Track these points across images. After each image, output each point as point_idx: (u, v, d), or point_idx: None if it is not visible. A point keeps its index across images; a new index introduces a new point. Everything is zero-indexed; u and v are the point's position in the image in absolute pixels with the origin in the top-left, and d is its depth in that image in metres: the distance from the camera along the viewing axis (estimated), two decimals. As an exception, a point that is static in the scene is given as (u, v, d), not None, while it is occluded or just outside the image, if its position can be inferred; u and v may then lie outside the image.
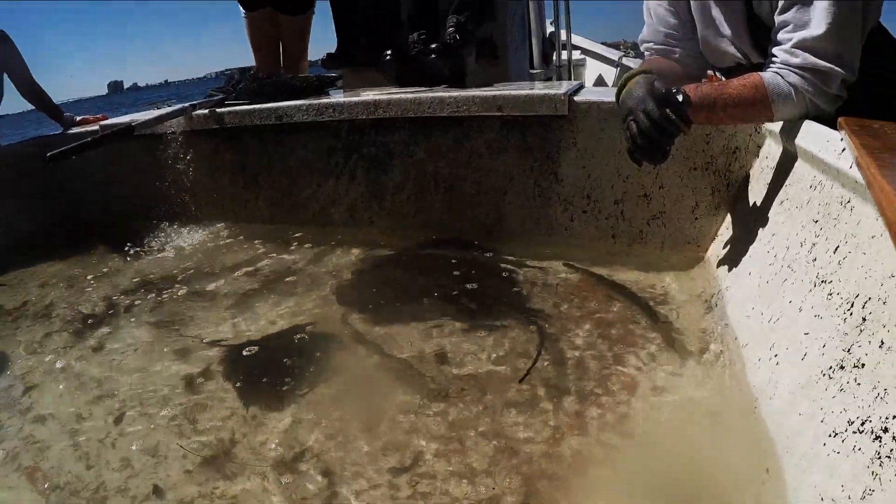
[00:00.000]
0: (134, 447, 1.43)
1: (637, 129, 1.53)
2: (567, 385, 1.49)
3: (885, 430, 0.83)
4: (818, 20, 1.45)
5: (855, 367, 0.96)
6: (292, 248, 2.60)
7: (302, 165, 2.78)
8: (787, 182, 1.60)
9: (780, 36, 1.53)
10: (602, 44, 7.31)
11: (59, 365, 1.85)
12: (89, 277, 2.54)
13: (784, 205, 1.57)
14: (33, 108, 3.49)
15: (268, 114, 2.73)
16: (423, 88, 2.63)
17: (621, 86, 1.65)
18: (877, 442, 0.84)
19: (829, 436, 0.95)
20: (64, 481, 1.35)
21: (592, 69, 6.60)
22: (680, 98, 1.52)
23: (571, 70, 5.46)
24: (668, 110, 1.50)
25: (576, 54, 6.18)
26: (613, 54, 6.73)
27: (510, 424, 1.37)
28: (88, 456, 1.42)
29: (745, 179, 1.97)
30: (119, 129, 2.75)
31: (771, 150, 1.82)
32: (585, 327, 1.74)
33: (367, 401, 1.53)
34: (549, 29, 5.43)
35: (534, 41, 4.72)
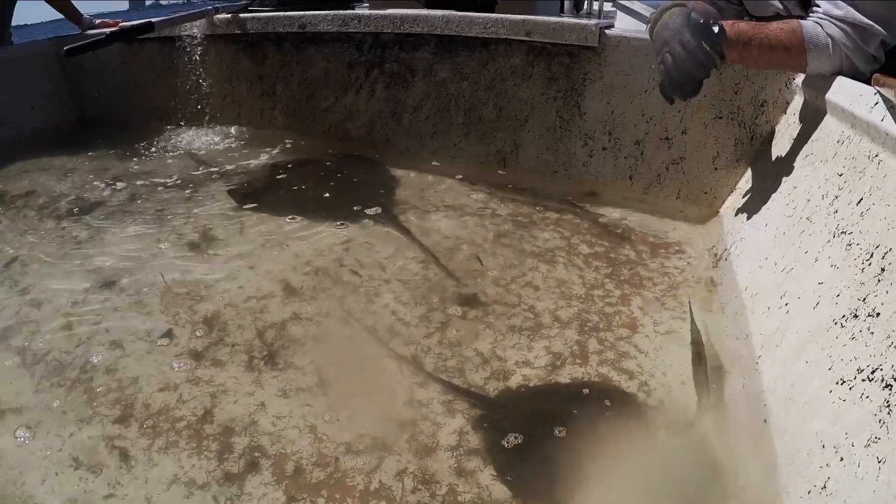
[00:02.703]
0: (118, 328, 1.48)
1: (672, 61, 1.49)
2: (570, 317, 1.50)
3: (897, 379, 0.82)
4: None
5: (870, 315, 0.95)
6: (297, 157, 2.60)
7: (321, 77, 2.72)
8: (812, 137, 1.57)
9: None
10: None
11: (60, 251, 1.87)
12: (93, 171, 2.54)
13: (808, 159, 1.54)
14: (54, 19, 3.40)
15: (291, 21, 2.67)
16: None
17: (656, 18, 1.59)
18: (887, 390, 0.83)
19: (837, 383, 0.94)
20: (52, 357, 1.37)
21: (622, 23, 6.45)
22: (716, 30, 1.47)
23: (601, 18, 5.35)
24: (704, 42, 1.45)
25: (607, 6, 6.05)
26: (646, 11, 6.58)
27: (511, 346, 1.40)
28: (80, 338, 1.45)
29: (770, 134, 1.92)
30: (139, 24, 2.68)
31: (799, 107, 1.78)
32: (594, 264, 1.73)
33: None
34: None
35: (567, -15, 4.61)
